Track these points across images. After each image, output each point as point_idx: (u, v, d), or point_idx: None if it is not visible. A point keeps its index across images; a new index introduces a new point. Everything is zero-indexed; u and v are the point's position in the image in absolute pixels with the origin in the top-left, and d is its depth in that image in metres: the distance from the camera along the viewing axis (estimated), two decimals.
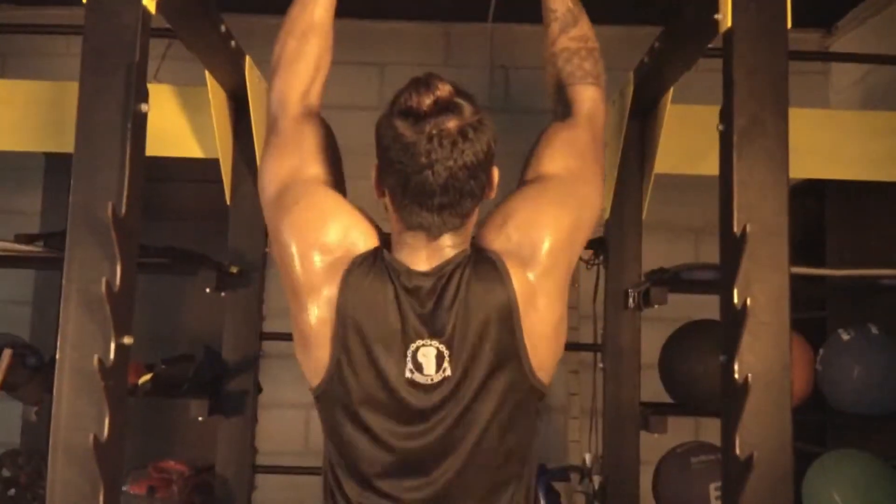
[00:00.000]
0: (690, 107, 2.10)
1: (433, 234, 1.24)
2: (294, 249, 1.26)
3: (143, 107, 1.37)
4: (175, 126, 2.20)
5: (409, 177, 1.19)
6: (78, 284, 1.34)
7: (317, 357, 1.25)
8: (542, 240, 1.26)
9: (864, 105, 3.08)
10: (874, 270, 2.09)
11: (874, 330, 2.21)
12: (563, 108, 1.47)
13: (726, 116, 1.44)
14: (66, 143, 1.47)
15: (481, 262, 1.24)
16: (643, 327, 2.25)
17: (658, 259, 2.24)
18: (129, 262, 1.33)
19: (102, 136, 1.34)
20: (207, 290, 2.08)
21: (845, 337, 2.22)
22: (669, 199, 2.53)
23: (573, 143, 1.40)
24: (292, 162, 1.35)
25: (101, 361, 1.30)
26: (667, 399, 2.39)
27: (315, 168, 1.35)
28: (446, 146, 1.17)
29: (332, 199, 1.31)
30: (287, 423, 3.26)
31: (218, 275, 2.10)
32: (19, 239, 2.06)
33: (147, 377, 2.15)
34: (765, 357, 1.35)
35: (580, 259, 2.49)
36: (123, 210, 1.33)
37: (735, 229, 1.38)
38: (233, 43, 1.95)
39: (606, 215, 2.26)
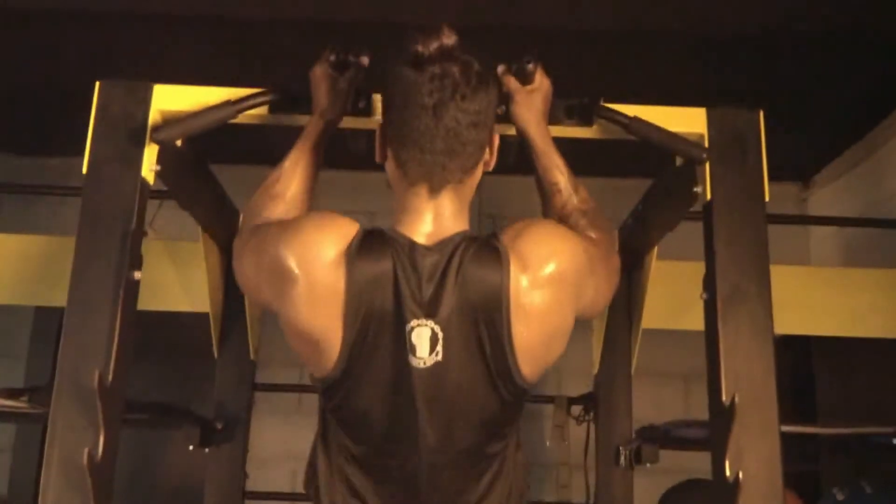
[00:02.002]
0: (676, 263, 2.14)
1: (434, 188, 1.25)
2: (291, 266, 1.22)
3: (137, 275, 1.39)
4: (166, 280, 2.22)
5: (411, 119, 1.20)
6: (60, 451, 1.32)
7: (328, 352, 1.22)
8: (552, 258, 1.25)
9: (843, 257, 3.14)
10: (866, 429, 2.07)
11: (868, 489, 2.18)
12: None
13: (709, 285, 1.47)
14: (55, 298, 1.48)
15: (485, 249, 1.24)
16: (636, 478, 2.21)
17: (648, 406, 2.22)
18: (113, 430, 1.32)
19: (94, 303, 1.36)
20: (191, 447, 2.05)
21: (840, 497, 2.18)
22: (657, 344, 2.54)
23: (599, 241, 1.42)
24: (257, 234, 1.37)
25: None
26: None
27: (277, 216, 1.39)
28: (448, 87, 1.18)
29: (301, 218, 1.34)
30: None
31: (202, 430, 2.07)
32: (1, 393, 2.03)
33: None
34: None
35: (570, 416, 2.49)
36: (110, 378, 1.33)
37: (724, 398, 1.39)
38: (227, 202, 2.00)
39: (595, 369, 2.26)
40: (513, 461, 1.36)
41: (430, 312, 1.20)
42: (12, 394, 2.01)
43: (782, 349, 1.46)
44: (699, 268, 1.53)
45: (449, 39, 1.23)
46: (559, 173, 1.50)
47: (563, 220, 1.52)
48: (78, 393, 1.32)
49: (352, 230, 1.25)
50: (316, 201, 1.53)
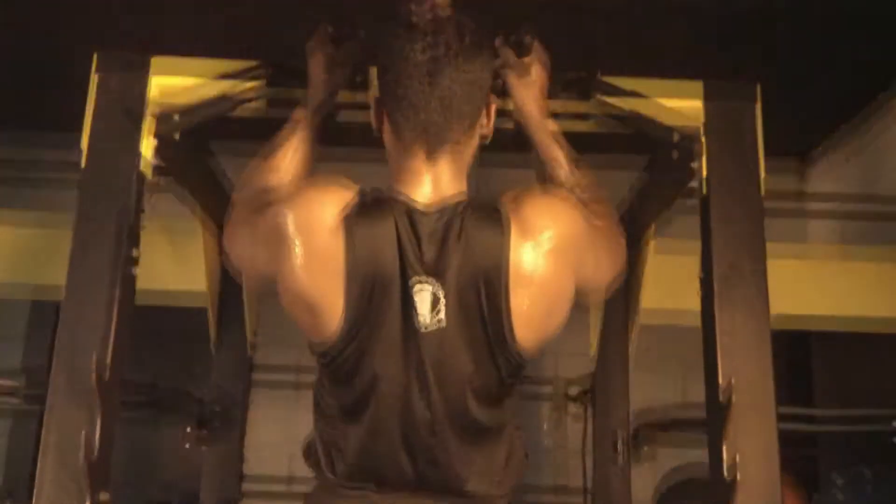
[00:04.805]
0: (673, 240, 2.12)
1: (431, 150, 1.23)
2: (289, 229, 1.22)
3: (134, 270, 1.40)
4: (164, 262, 2.20)
5: (404, 80, 1.19)
6: (56, 437, 1.32)
7: (328, 316, 1.21)
8: (554, 225, 1.24)
9: (841, 234, 3.12)
10: (861, 411, 2.08)
11: (867, 473, 2.19)
12: None
13: (706, 264, 1.48)
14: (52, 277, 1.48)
15: (486, 213, 1.23)
16: (633, 467, 2.21)
17: (646, 394, 2.22)
18: (110, 417, 1.32)
19: (91, 291, 1.36)
20: (188, 429, 2.05)
21: (839, 482, 2.19)
22: (655, 340, 2.53)
23: (602, 215, 1.40)
24: (252, 203, 1.35)
25: None
26: None
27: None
28: (441, 45, 1.18)
29: (302, 182, 1.34)
30: None
31: (199, 413, 2.07)
32: None
33: None
34: None
35: (568, 397, 2.49)
36: (108, 367, 1.32)
37: (720, 383, 1.39)
38: (226, 183, 1.98)
39: (592, 350, 2.25)
40: (511, 435, 1.34)
41: (431, 272, 1.20)
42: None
43: (779, 342, 1.45)
44: (696, 247, 1.52)
45: (444, 11, 1.22)
46: (558, 148, 1.49)
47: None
48: (75, 379, 1.33)
49: (350, 193, 1.24)
50: None
